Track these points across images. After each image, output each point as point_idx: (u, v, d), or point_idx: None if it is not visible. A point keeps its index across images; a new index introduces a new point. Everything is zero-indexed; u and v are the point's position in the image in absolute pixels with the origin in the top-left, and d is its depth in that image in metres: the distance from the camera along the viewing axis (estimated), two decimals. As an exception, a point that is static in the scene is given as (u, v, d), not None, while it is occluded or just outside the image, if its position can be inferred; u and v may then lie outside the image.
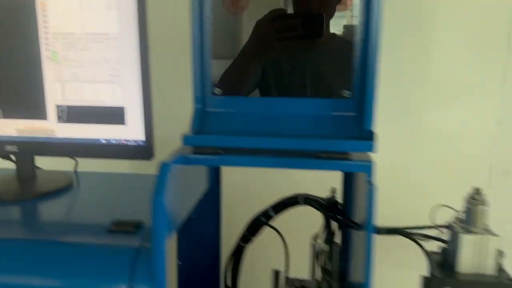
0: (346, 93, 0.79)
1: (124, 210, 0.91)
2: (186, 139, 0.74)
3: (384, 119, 1.53)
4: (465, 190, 1.76)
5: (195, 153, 0.75)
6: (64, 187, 1.02)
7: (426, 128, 1.61)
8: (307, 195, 0.98)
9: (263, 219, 1.05)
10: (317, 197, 0.96)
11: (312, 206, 0.97)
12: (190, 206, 0.92)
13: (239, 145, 0.75)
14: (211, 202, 1.08)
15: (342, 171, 0.73)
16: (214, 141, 0.75)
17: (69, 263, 0.73)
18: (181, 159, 0.74)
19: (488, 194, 1.78)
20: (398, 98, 1.53)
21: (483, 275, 0.76)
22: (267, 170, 1.49)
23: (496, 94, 1.62)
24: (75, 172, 1.15)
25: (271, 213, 1.04)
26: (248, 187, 1.49)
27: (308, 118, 0.79)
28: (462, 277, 0.76)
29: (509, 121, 1.66)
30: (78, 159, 1.15)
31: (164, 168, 0.69)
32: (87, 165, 1.16)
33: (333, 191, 0.95)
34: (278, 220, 1.05)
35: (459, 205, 1.78)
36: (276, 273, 0.94)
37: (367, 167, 0.72)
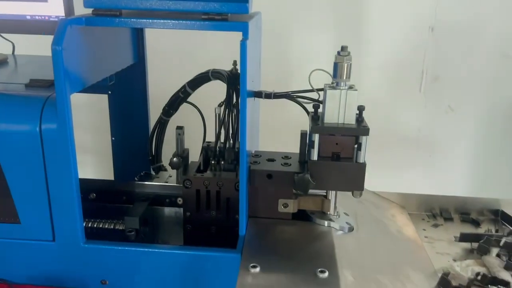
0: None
1: (47, 75, 1.02)
2: (86, 2, 0.84)
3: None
4: (399, 93, 1.90)
5: (94, 14, 0.86)
6: (-2, 61, 1.13)
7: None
8: (214, 69, 1.10)
9: (181, 94, 1.18)
10: (222, 70, 1.09)
11: (219, 79, 1.09)
12: (107, 72, 1.04)
13: (134, 7, 0.86)
14: (137, 77, 1.20)
15: (222, 30, 0.84)
16: (110, 3, 0.85)
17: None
18: (80, 20, 0.84)
19: (419, 96, 1.92)
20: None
21: (344, 123, 0.90)
22: (191, 51, 1.59)
23: (429, 2, 1.71)
24: (13, 54, 1.25)
25: (188, 89, 1.17)
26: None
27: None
28: (326, 125, 0.90)
29: (440, 29, 1.77)
30: (18, 44, 1.25)
31: (61, 23, 0.80)
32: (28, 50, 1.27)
33: (234, 63, 1.07)
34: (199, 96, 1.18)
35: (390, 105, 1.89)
36: (179, 128, 1.08)
37: (244, 26, 0.84)
